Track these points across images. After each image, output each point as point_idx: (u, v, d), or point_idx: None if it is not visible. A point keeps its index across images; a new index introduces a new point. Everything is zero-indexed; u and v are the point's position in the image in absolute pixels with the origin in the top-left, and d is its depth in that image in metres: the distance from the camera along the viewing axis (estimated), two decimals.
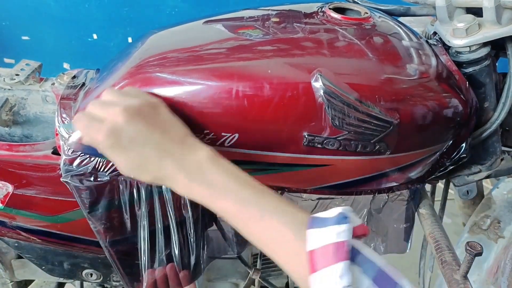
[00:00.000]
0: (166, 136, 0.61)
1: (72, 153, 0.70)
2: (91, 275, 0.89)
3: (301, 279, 0.55)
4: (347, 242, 0.51)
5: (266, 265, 1.08)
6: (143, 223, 0.74)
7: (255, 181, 0.61)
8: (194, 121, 0.66)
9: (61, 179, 0.70)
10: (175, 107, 0.66)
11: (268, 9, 0.79)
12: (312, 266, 0.52)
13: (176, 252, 0.75)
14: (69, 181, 0.70)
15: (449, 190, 1.00)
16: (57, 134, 0.74)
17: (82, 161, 0.70)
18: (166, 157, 0.61)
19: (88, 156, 0.70)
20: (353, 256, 0.52)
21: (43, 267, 0.89)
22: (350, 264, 0.51)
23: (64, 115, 0.73)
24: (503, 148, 0.84)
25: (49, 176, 0.75)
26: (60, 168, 0.71)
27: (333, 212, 0.55)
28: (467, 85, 0.73)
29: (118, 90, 0.65)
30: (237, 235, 0.83)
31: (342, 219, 0.53)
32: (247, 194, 0.59)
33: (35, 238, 0.83)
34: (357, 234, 0.54)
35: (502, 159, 0.83)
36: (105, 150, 0.62)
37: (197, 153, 0.61)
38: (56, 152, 0.75)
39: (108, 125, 0.60)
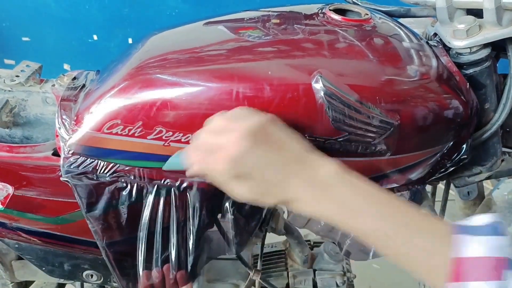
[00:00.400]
0: (287, 155, 0.58)
1: (72, 154, 0.70)
2: (92, 276, 0.89)
3: (437, 284, 0.52)
4: (509, 259, 0.48)
5: (266, 266, 1.08)
6: (143, 225, 0.74)
7: (386, 194, 0.57)
8: (195, 123, 0.66)
9: (61, 179, 0.70)
10: (175, 108, 0.66)
11: (269, 11, 0.79)
12: (458, 275, 0.48)
13: (174, 253, 0.75)
14: (69, 180, 0.70)
15: (450, 191, 1.00)
16: (57, 136, 0.74)
17: (82, 163, 0.70)
18: (290, 178, 0.57)
19: (88, 157, 0.70)
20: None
21: (43, 268, 0.89)
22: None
23: (64, 117, 0.73)
24: (504, 149, 0.83)
25: (49, 178, 0.75)
26: (60, 170, 0.71)
27: (483, 220, 0.52)
28: (468, 86, 0.73)
29: (225, 114, 0.62)
30: (237, 235, 0.83)
31: (498, 229, 0.50)
32: (380, 210, 0.56)
33: (35, 239, 0.83)
34: None
35: (502, 160, 0.83)
36: (226, 180, 0.59)
37: (321, 170, 0.58)
38: (56, 153, 0.75)
39: (228, 155, 0.57)
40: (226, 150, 0.57)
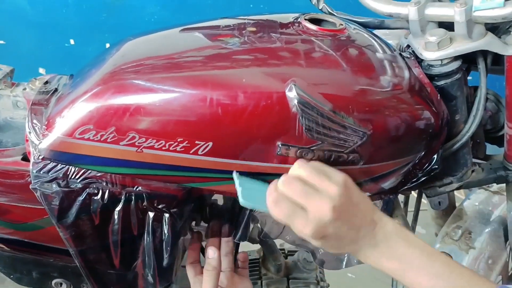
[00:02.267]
0: (360, 218, 0.63)
1: (42, 159, 0.69)
2: (61, 284, 0.87)
3: None
4: None
5: None
6: (115, 231, 0.73)
7: (441, 254, 0.65)
8: (168, 129, 0.66)
9: (30, 187, 0.69)
10: (149, 114, 0.65)
11: (245, 18, 0.80)
12: None
13: (148, 259, 0.74)
14: (38, 188, 0.69)
15: (422, 200, 1.01)
16: (27, 140, 0.72)
17: (52, 168, 0.69)
18: (362, 239, 0.64)
19: (58, 163, 0.69)
20: None
21: (11, 276, 0.87)
22: None
23: (35, 121, 0.72)
24: (474, 160, 0.85)
25: (18, 183, 0.74)
26: (29, 175, 0.69)
27: None
28: (439, 98, 0.75)
29: (312, 166, 0.64)
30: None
31: None
32: (437, 268, 0.62)
33: (3, 246, 0.81)
34: None
35: (473, 171, 0.84)
36: (306, 237, 0.63)
37: (384, 228, 0.64)
38: (26, 158, 0.74)
39: (315, 222, 0.61)
40: (312, 216, 0.61)
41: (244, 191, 0.66)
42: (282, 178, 0.64)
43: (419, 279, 0.62)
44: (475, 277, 0.62)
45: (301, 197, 0.62)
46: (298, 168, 0.65)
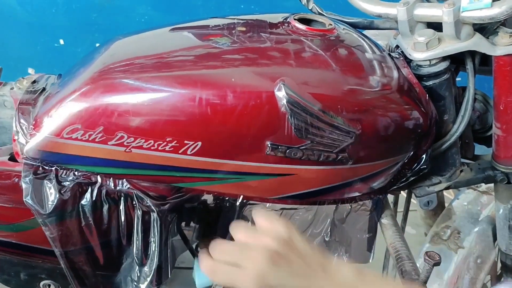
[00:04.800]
0: (309, 268, 0.59)
1: (30, 160, 0.68)
2: (49, 286, 0.86)
3: None
4: None
5: None
6: (104, 231, 0.72)
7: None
8: (157, 129, 0.66)
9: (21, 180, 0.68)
10: (137, 113, 0.65)
11: (234, 18, 0.80)
12: None
13: (137, 261, 0.74)
14: (27, 186, 0.68)
15: (412, 200, 1.01)
16: (14, 140, 0.72)
17: (40, 168, 0.68)
18: (315, 285, 0.59)
19: (46, 163, 0.68)
20: None
21: None
22: None
23: (22, 121, 0.72)
24: (462, 160, 0.86)
25: (5, 184, 0.73)
26: (16, 176, 0.69)
27: None
28: (427, 98, 0.75)
29: (246, 226, 0.62)
30: (200, 244, 0.82)
31: None
32: None
33: None
34: None
35: (461, 171, 0.85)
36: None
37: (342, 275, 0.60)
38: (13, 158, 0.73)
39: (254, 275, 0.57)
40: (249, 268, 0.58)
41: (199, 275, 0.68)
42: (212, 244, 0.61)
43: None
44: None
45: (233, 256, 0.59)
46: (233, 232, 0.62)
